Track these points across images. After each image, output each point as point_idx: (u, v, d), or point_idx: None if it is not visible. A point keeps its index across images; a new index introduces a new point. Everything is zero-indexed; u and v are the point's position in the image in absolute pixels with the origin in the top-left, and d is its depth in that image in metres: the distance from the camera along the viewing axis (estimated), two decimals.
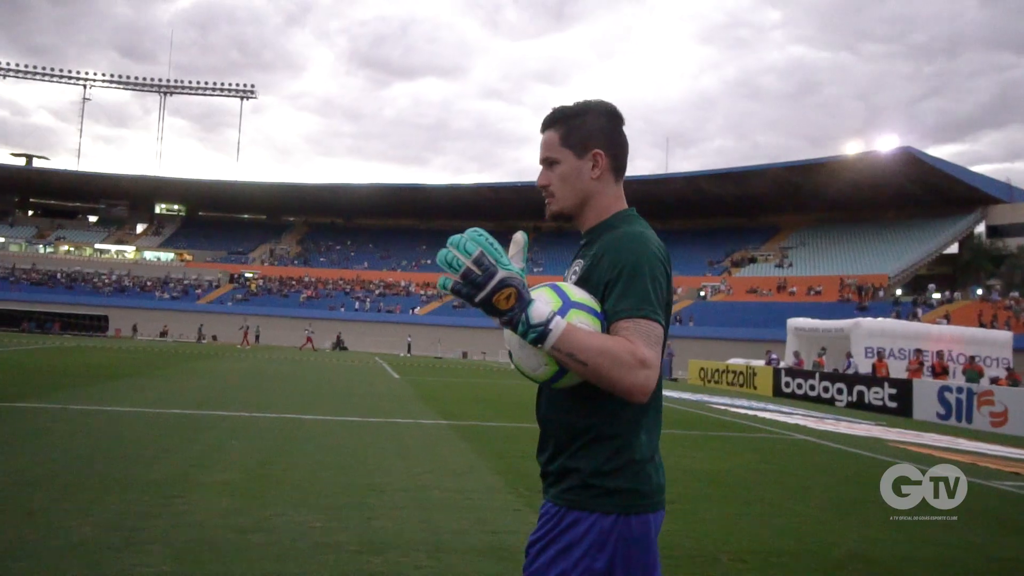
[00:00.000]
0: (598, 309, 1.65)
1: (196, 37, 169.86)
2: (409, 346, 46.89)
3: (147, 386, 13.79)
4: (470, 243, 1.53)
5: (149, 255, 68.03)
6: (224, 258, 67.10)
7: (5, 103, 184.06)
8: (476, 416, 11.67)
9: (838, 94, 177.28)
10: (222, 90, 76.28)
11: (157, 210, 74.88)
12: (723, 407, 17.07)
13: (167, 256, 67.64)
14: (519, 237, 1.63)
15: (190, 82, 76.56)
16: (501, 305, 1.53)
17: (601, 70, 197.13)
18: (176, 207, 75.29)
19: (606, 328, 1.63)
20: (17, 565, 3.61)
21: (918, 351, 20.34)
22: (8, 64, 74.44)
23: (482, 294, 1.52)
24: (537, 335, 1.53)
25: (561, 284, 1.70)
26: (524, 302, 1.54)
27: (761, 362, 27.68)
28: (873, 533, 5.39)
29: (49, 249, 66.84)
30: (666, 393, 19.53)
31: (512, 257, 1.59)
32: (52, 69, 75.48)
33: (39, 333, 45.00)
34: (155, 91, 77.46)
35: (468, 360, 42.22)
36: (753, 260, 53.97)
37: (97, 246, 68.61)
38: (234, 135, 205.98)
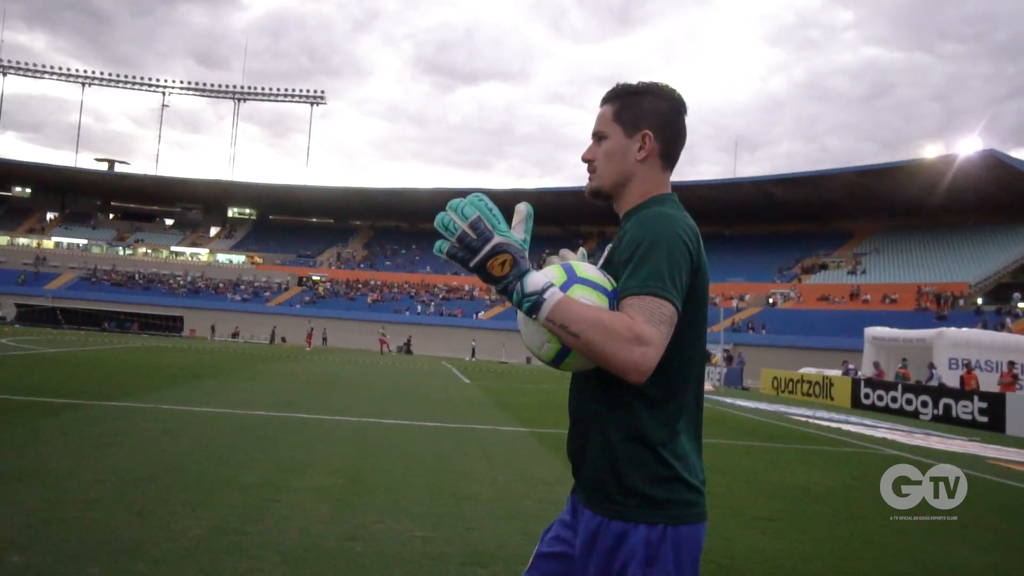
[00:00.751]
0: (608, 288, 1.60)
1: (268, 44, 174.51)
2: (473, 350, 47.06)
3: (230, 387, 14.10)
4: (468, 207, 1.51)
5: (222, 257, 70.11)
6: (293, 261, 68.68)
7: (89, 110, 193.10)
8: (554, 423, 11.54)
9: (913, 96, 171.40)
10: (293, 96, 78.04)
11: (230, 213, 77.18)
12: (803, 418, 16.56)
13: (238, 259, 69.62)
14: (522, 207, 1.58)
15: (262, 89, 78.45)
16: (496, 272, 1.51)
17: (666, 73, 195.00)
18: (247, 211, 77.46)
19: (615, 307, 1.56)
20: (137, 566, 3.64)
21: (1011, 363, 19.35)
22: (92, 72, 77.89)
23: (476, 259, 1.51)
24: (531, 304, 1.50)
25: (574, 263, 1.66)
26: (520, 270, 1.51)
27: (836, 371, 26.80)
28: (999, 559, 5.07)
29: (128, 251, 69.58)
30: (741, 403, 18.97)
31: (514, 227, 1.55)
32: (132, 77, 78.48)
33: (119, 332, 46.74)
34: (229, 98, 79.71)
35: (532, 365, 42.07)
36: (824, 267, 52.46)
37: (173, 248, 71.13)
38: (303, 140, 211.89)
